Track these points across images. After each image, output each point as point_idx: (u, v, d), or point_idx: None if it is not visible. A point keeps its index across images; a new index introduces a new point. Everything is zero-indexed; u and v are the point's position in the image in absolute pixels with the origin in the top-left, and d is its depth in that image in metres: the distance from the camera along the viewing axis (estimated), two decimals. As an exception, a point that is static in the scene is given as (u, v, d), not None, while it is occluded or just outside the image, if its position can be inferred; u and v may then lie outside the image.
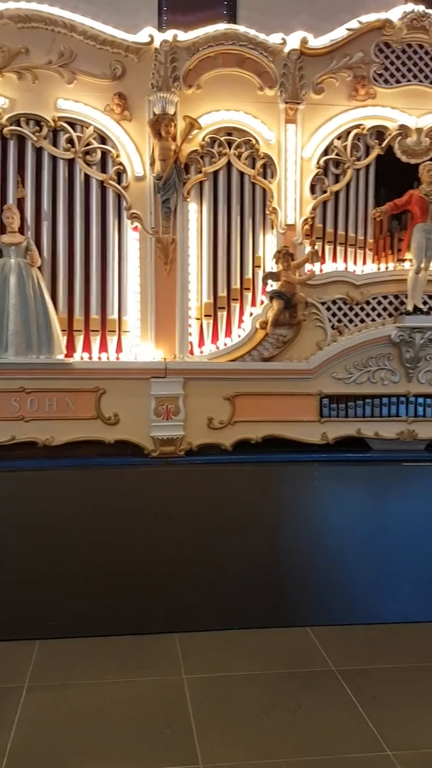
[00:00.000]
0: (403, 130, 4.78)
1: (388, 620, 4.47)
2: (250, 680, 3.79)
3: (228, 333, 4.81)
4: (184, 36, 4.57)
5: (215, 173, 4.70)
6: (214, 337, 4.78)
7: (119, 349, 4.69)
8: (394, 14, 4.73)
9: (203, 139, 4.63)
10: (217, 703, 3.56)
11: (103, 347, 4.66)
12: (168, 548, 4.40)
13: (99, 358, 4.65)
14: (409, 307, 4.81)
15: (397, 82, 4.80)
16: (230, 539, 4.48)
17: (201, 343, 4.78)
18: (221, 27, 4.63)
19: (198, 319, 4.77)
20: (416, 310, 4.79)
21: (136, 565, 4.34)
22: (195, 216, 4.71)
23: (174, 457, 4.64)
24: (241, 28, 4.67)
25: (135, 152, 4.59)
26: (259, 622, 4.35)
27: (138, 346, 4.68)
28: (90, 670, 3.85)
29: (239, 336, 4.80)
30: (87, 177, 4.59)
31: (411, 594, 4.54)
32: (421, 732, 3.32)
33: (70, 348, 4.61)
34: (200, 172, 4.67)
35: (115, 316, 4.67)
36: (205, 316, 4.76)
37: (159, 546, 4.40)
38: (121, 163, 4.59)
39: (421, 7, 4.76)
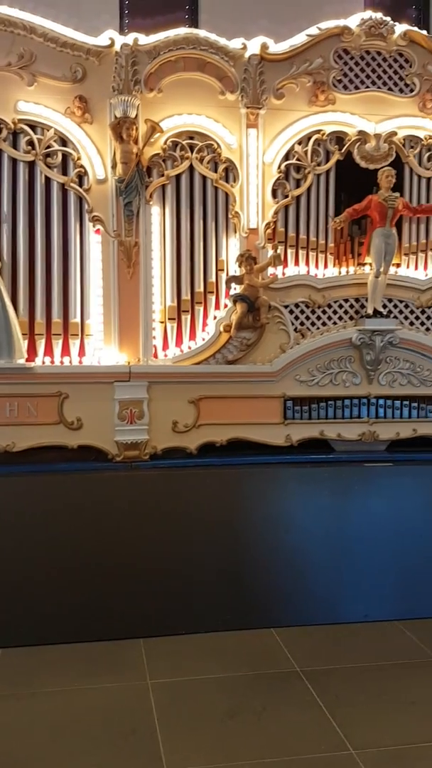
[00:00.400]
0: (362, 135, 4.84)
1: (351, 620, 4.52)
2: (215, 683, 3.79)
3: (192, 336, 4.81)
4: (145, 40, 4.56)
5: (177, 177, 4.70)
6: (179, 341, 4.78)
7: (82, 352, 4.64)
8: (353, 21, 4.80)
9: (165, 143, 4.63)
10: (182, 707, 3.56)
11: (66, 351, 4.61)
12: (133, 553, 4.38)
13: (61, 362, 4.59)
14: (370, 311, 4.88)
15: (356, 88, 4.86)
16: (196, 543, 4.48)
17: (165, 346, 4.77)
18: (182, 31, 4.64)
19: (162, 322, 4.76)
20: (376, 314, 4.86)
21: (100, 571, 4.30)
22: (158, 219, 4.71)
23: (138, 462, 4.62)
24: (201, 33, 4.68)
25: (96, 155, 4.57)
26: (224, 625, 4.36)
27: (101, 349, 4.65)
28: (54, 678, 3.80)
29: (203, 339, 4.81)
30: (48, 179, 4.55)
31: (373, 593, 4.59)
32: (383, 730, 3.35)
33: (32, 352, 4.55)
34: (162, 175, 4.66)
35: (78, 319, 4.63)
36: (169, 319, 4.75)
37: (124, 551, 4.36)
38: (82, 166, 4.56)
39: (378, 15, 4.83)
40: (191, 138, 4.69)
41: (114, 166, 4.55)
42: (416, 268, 5.04)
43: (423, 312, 5.04)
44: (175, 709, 3.53)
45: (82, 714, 3.47)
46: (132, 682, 3.79)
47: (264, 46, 4.68)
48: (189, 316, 4.79)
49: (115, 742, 3.22)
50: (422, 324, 5.05)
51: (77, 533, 4.32)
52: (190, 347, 4.79)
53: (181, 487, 4.53)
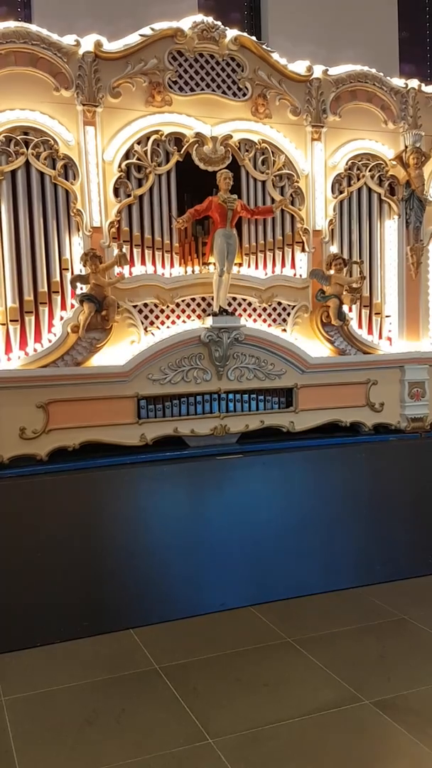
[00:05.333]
0: (200, 138, 4.91)
1: (208, 611, 4.63)
2: (73, 692, 3.74)
3: (37, 338, 4.65)
4: (-29, 31, 4.35)
5: (13, 173, 4.52)
6: (23, 343, 4.60)
7: None
8: (185, 24, 4.84)
9: (-2, 138, 4.45)
10: (39, 720, 3.48)
11: None
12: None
13: None
14: (216, 309, 4.99)
15: (192, 90, 4.92)
16: (49, 551, 4.36)
17: (8, 349, 4.57)
18: (11, 24, 4.45)
19: (3, 324, 4.56)
20: (222, 311, 4.99)
21: None
22: (-6, 217, 4.51)
23: (-18, 472, 4.42)
24: (33, 27, 4.52)
25: None
26: (81, 631, 4.30)
27: None
28: None
29: (50, 341, 4.67)
30: None
31: (229, 582, 4.74)
32: (238, 716, 3.48)
33: None
34: (-4, 171, 4.47)
35: None
36: (11, 321, 4.56)
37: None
38: None
39: (210, 19, 4.91)
40: (26, 133, 4.53)
41: None
42: (257, 267, 5.21)
43: (265, 309, 5.24)
44: (31, 724, 3.45)
45: None
46: (-17, 702, 3.63)
47: (98, 44, 4.62)
48: (33, 318, 4.63)
49: (-35, 769, 3.08)
50: (264, 321, 5.25)
51: None
52: (35, 350, 4.63)
53: (30, 496, 4.39)
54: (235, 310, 5.12)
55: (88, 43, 4.61)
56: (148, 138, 4.82)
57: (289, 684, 3.77)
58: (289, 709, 3.52)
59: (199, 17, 4.91)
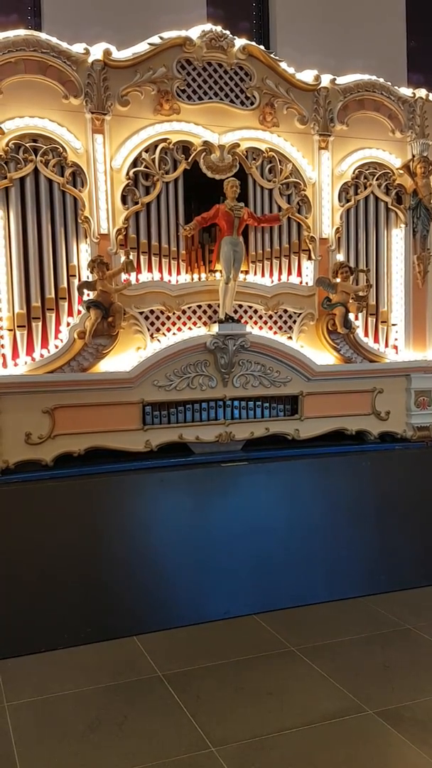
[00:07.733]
0: (207, 146, 4.94)
1: (212, 618, 4.61)
2: (76, 698, 3.73)
3: (44, 344, 4.68)
4: (-19, 40, 4.40)
5: (22, 180, 4.55)
6: (30, 349, 4.63)
7: None
8: (194, 33, 4.88)
9: (7, 145, 4.47)
10: (42, 726, 3.47)
11: None
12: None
13: None
14: (222, 316, 5.01)
15: (200, 98, 4.95)
16: (53, 557, 4.37)
17: (15, 355, 4.60)
18: (21, 32, 4.50)
19: (10, 330, 4.59)
20: (228, 319, 5.00)
21: None
22: (2, 223, 4.53)
23: (-12, 477, 4.44)
24: (42, 35, 4.58)
25: None
26: (85, 638, 4.29)
27: None
28: None
29: (56, 347, 4.69)
30: None
31: (233, 590, 4.72)
32: (241, 724, 3.45)
33: None
34: (5, 177, 4.49)
35: None
36: (19, 326, 4.60)
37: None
38: None
39: (218, 28, 4.95)
40: (35, 141, 4.56)
41: None
42: (263, 275, 5.23)
43: (270, 317, 5.25)
44: (33, 730, 3.43)
45: None
46: (-14, 707, 3.63)
47: (107, 52, 4.65)
48: (40, 323, 4.65)
49: (-33, 774, 3.08)
50: (270, 328, 5.26)
51: None
52: (42, 355, 4.66)
53: (35, 501, 4.40)
54: (240, 317, 5.14)
55: (97, 52, 4.65)
56: (156, 146, 4.85)
57: (293, 693, 3.75)
58: (292, 718, 3.50)
59: (208, 26, 4.95)
